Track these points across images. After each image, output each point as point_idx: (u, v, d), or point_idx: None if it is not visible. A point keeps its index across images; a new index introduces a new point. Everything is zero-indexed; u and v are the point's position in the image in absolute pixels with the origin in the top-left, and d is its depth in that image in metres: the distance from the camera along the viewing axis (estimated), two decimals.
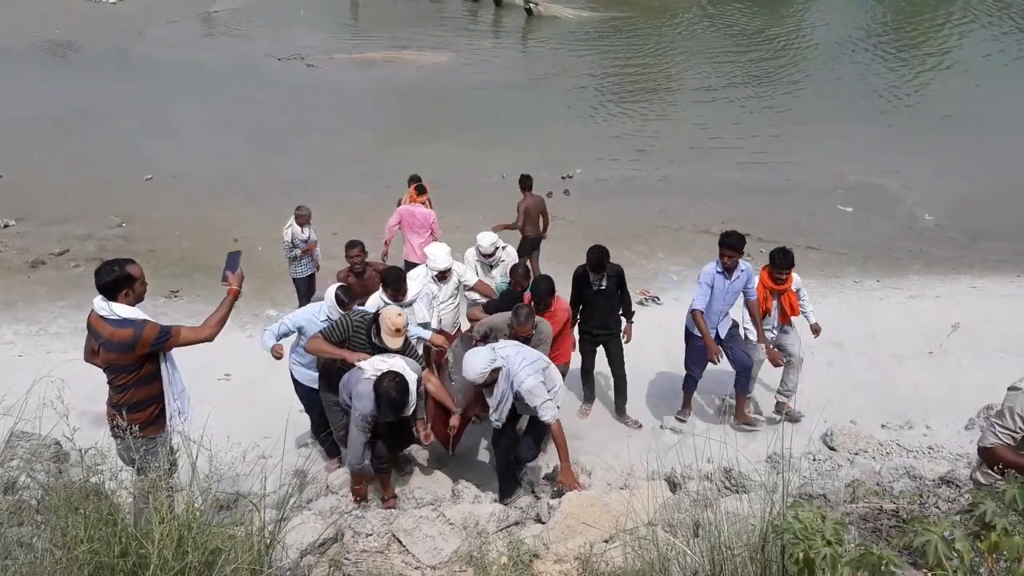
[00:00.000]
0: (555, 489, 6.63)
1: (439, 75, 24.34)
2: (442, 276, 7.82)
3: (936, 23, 29.00)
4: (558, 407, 6.38)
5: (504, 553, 4.89)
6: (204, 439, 4.22)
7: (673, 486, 6.35)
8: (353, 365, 6.15)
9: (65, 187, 15.98)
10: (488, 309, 7.58)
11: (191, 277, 12.58)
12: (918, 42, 27.32)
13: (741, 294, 7.82)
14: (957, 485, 5.62)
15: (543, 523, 5.58)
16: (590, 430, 8.27)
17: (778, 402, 8.41)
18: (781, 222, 14.59)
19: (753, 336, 7.89)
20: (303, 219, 10.57)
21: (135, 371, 4.89)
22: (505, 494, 6.68)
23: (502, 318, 6.87)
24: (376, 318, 6.37)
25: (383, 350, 6.23)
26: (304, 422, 7.47)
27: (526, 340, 6.59)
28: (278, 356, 6.88)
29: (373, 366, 6.02)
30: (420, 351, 6.81)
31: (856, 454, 7.13)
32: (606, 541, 4.94)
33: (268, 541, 3.98)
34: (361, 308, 6.85)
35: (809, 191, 16.42)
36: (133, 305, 4.87)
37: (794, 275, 7.83)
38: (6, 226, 14.33)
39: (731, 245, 7.47)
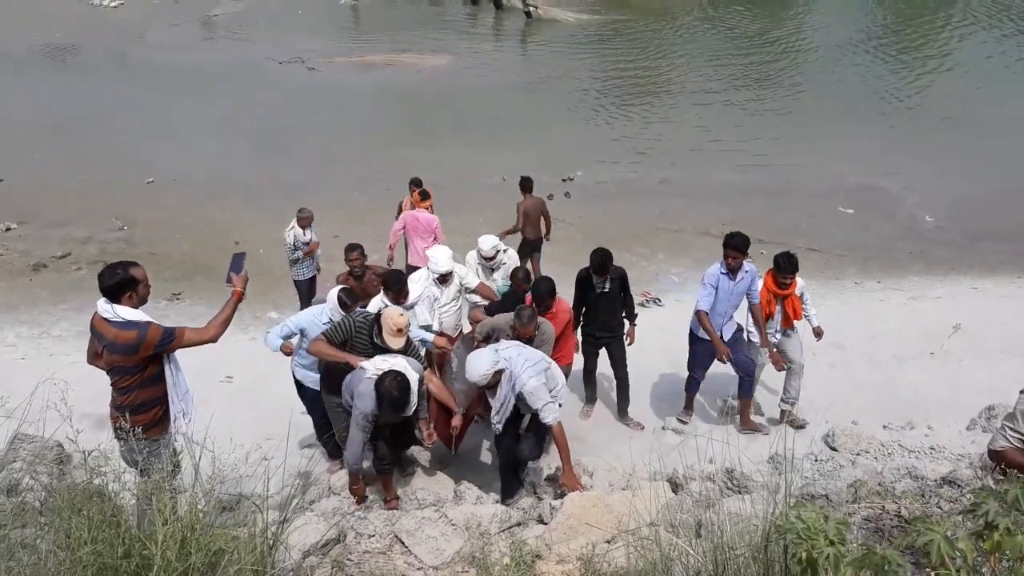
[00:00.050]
0: (558, 492, 6.64)
1: (439, 78, 24.36)
2: (443, 279, 7.82)
3: (936, 25, 29.02)
4: (560, 405, 6.39)
5: (506, 554, 4.89)
6: (207, 441, 4.22)
7: (675, 487, 6.35)
8: (356, 367, 6.15)
9: (66, 190, 16.02)
10: (490, 311, 7.59)
11: (192, 280, 12.61)
12: (918, 44, 27.32)
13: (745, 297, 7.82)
14: (959, 485, 5.61)
15: (545, 524, 5.58)
16: (592, 431, 8.27)
17: (782, 411, 8.41)
18: (782, 224, 14.61)
19: (756, 339, 7.88)
20: (305, 221, 10.61)
21: (139, 373, 4.90)
22: (507, 495, 6.68)
23: (505, 319, 6.87)
24: (378, 318, 6.38)
25: (385, 350, 6.23)
26: (306, 424, 7.47)
27: (529, 341, 6.59)
28: (288, 352, 6.87)
29: (375, 365, 6.02)
30: (422, 353, 6.80)
31: (858, 455, 7.12)
32: (608, 542, 4.94)
33: (271, 542, 3.98)
34: (363, 309, 6.86)
35: (810, 193, 16.42)
36: (137, 307, 4.88)
37: (798, 279, 7.81)
38: (7, 229, 14.35)
39: (735, 246, 7.45)
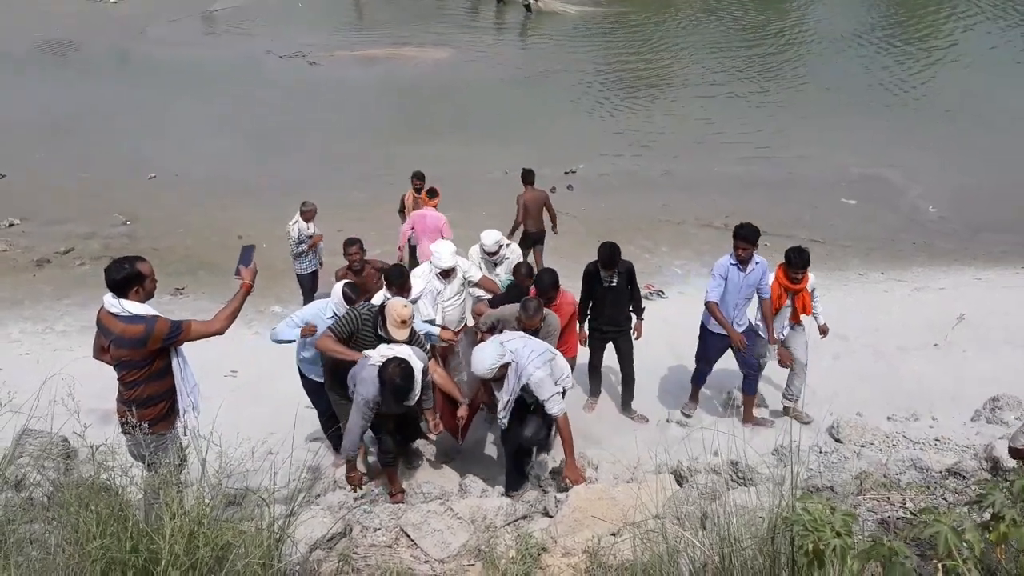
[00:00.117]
0: (561, 484, 6.65)
1: (441, 71, 24.30)
2: (446, 274, 7.83)
3: (941, 16, 28.89)
4: (565, 391, 6.39)
5: (512, 547, 4.89)
6: (213, 435, 4.23)
7: (680, 479, 6.36)
8: None
9: (69, 186, 16.03)
10: (493, 305, 7.59)
11: (196, 275, 12.62)
12: (923, 35, 27.20)
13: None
14: (964, 476, 5.62)
15: (551, 517, 5.60)
16: (596, 424, 8.28)
17: (785, 407, 8.42)
18: (784, 216, 14.58)
19: (764, 335, 7.86)
20: (309, 214, 10.64)
21: (146, 367, 4.91)
22: (511, 487, 6.70)
23: (510, 310, 6.88)
24: (382, 310, 6.38)
25: (390, 342, 6.24)
26: (311, 418, 7.48)
27: (534, 333, 6.60)
28: (311, 333, 6.80)
29: (380, 353, 6.02)
30: (427, 345, 6.80)
31: (863, 446, 7.14)
32: (614, 534, 4.95)
33: (278, 536, 3.99)
34: (367, 302, 6.86)
35: (812, 184, 16.38)
36: (143, 302, 4.89)
37: (810, 275, 7.76)
38: (11, 225, 14.36)
39: (745, 237, 7.41)
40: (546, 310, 6.87)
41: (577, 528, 5.07)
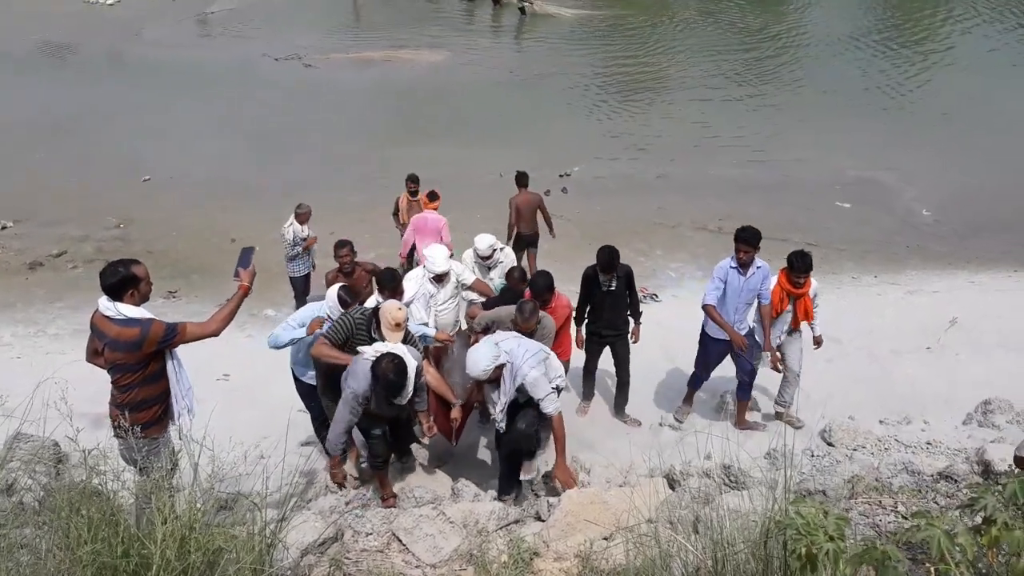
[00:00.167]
0: (551, 486, 6.64)
1: (436, 74, 24.30)
2: (439, 278, 7.83)
3: (938, 19, 28.97)
4: (560, 391, 6.37)
5: (504, 551, 4.89)
6: (205, 439, 4.22)
7: (672, 483, 6.36)
8: None
9: (62, 188, 16.00)
10: (487, 308, 7.58)
11: (189, 278, 12.61)
12: (920, 39, 27.26)
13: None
14: (955, 480, 5.63)
15: (543, 521, 5.60)
16: (589, 428, 8.27)
17: (777, 412, 8.42)
18: (779, 219, 14.59)
19: (760, 339, 7.84)
20: (303, 217, 10.64)
21: (140, 370, 4.90)
22: (504, 491, 6.68)
23: (506, 311, 6.87)
24: (376, 313, 6.37)
25: None
26: (304, 422, 7.47)
27: (530, 336, 6.59)
28: (320, 325, 6.76)
29: (374, 349, 6.00)
30: (421, 347, 6.78)
31: (855, 450, 7.14)
32: (606, 539, 4.95)
33: (269, 541, 3.98)
34: (360, 306, 6.85)
35: (807, 188, 16.41)
36: (138, 305, 4.88)
37: (813, 281, 7.72)
38: (4, 228, 14.35)
39: (746, 240, 7.36)
40: (541, 313, 6.87)
41: (569, 532, 5.06)
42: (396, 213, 11.83)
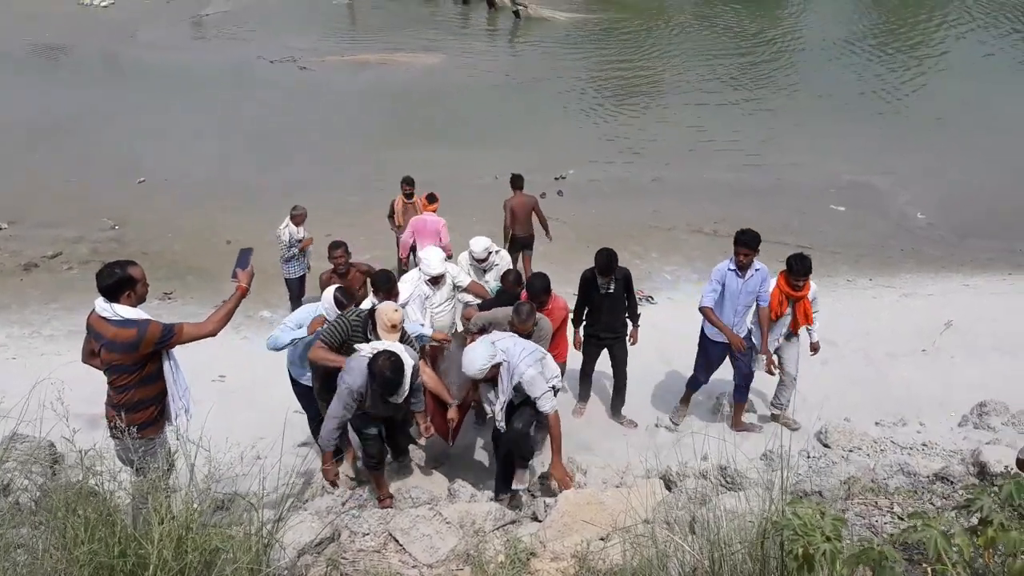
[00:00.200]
0: (547, 484, 6.63)
1: (432, 77, 24.30)
2: (435, 281, 7.83)
3: (933, 24, 29.05)
4: (557, 391, 6.37)
5: (501, 551, 4.89)
6: (202, 440, 4.22)
7: (669, 484, 6.37)
8: None
9: (57, 190, 15.95)
10: (483, 310, 7.58)
11: (184, 279, 12.58)
12: (915, 43, 27.34)
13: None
14: (951, 481, 5.65)
15: (540, 521, 5.60)
16: (585, 429, 8.29)
17: (773, 415, 8.43)
18: (773, 222, 14.59)
19: (758, 342, 7.83)
20: (299, 218, 10.64)
21: (137, 371, 4.90)
22: (501, 491, 6.68)
23: (503, 312, 6.86)
24: (372, 315, 6.36)
25: None
26: (300, 422, 7.46)
27: (527, 338, 6.59)
28: (322, 323, 6.75)
29: (371, 346, 5.99)
30: (417, 347, 6.78)
31: (850, 451, 7.16)
32: (603, 539, 4.95)
33: (266, 541, 3.98)
34: (356, 308, 6.84)
35: (802, 191, 16.42)
36: (135, 306, 4.88)
37: (811, 283, 7.72)
38: None
39: (746, 243, 7.37)
40: (538, 315, 6.87)
41: (566, 533, 5.06)
42: (391, 215, 11.82)
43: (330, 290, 6.93)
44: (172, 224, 14.54)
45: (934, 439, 7.36)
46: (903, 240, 14.62)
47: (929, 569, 3.08)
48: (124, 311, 4.80)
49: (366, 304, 7.19)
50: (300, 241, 10.64)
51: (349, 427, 6.56)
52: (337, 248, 8.68)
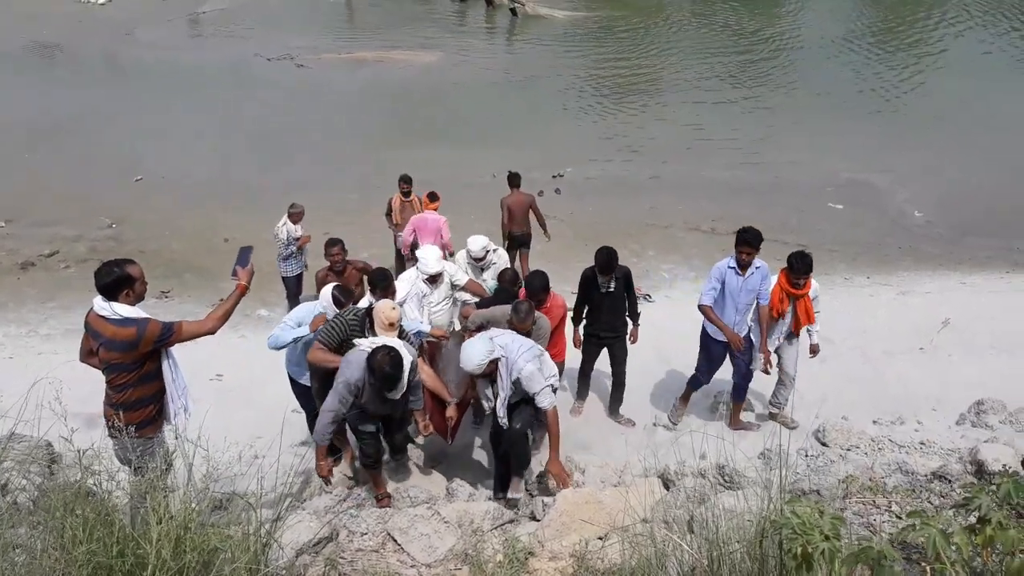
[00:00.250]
0: (545, 481, 6.62)
1: (429, 75, 24.29)
2: (432, 280, 7.82)
3: (931, 22, 29.05)
4: (555, 390, 6.36)
5: (499, 551, 4.89)
6: (200, 439, 4.21)
7: (667, 483, 6.36)
8: None
9: (55, 188, 15.95)
10: (481, 308, 7.57)
11: (181, 278, 12.58)
12: (913, 41, 27.35)
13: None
14: (949, 480, 5.65)
15: (538, 521, 5.60)
16: (583, 428, 8.28)
17: (771, 414, 8.43)
18: (771, 220, 14.57)
19: (757, 341, 7.82)
20: (297, 217, 10.66)
21: (136, 370, 4.90)
22: (499, 489, 6.68)
23: (501, 311, 6.84)
24: (369, 313, 6.35)
25: None
26: (299, 422, 7.46)
27: (526, 336, 6.58)
28: (324, 321, 6.75)
29: (370, 342, 5.98)
30: (416, 344, 6.77)
31: (848, 450, 7.15)
32: (601, 538, 4.95)
33: (265, 541, 3.97)
34: (354, 306, 6.83)
35: (800, 189, 16.44)
36: (133, 305, 4.88)
37: (813, 281, 7.71)
38: None
39: (748, 242, 7.34)
40: (537, 313, 6.85)
41: (564, 532, 5.06)
42: (389, 214, 11.81)
43: (328, 288, 6.92)
44: (170, 223, 14.53)
45: (932, 437, 7.36)
46: (901, 238, 14.63)
47: (928, 568, 3.08)
48: (123, 310, 4.80)
49: (363, 303, 7.18)
50: (298, 239, 10.65)
51: (347, 427, 6.57)
52: (334, 245, 8.68)
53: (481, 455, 7.81)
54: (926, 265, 13.54)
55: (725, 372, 8.14)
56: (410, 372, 5.97)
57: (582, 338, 8.20)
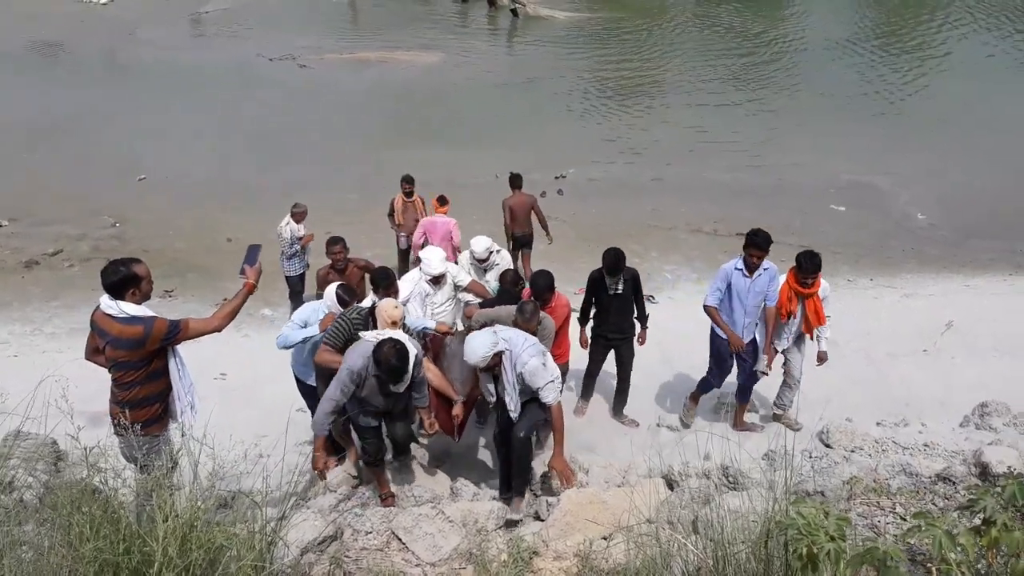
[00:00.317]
0: (549, 478, 6.62)
1: (431, 75, 24.29)
2: (435, 281, 7.84)
3: (935, 25, 29.04)
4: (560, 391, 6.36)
5: (504, 550, 4.90)
6: (205, 438, 4.22)
7: (671, 484, 6.37)
8: None
9: (58, 187, 15.96)
10: (484, 308, 7.58)
11: (184, 277, 12.59)
12: (918, 44, 27.34)
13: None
14: (953, 482, 5.65)
15: (542, 521, 5.60)
16: (587, 428, 8.28)
17: (775, 415, 8.43)
18: (774, 222, 14.49)
19: (762, 342, 7.82)
20: (300, 216, 10.68)
21: (142, 368, 4.91)
22: (504, 489, 6.67)
23: (506, 311, 6.84)
24: (372, 312, 6.36)
25: None
26: (303, 421, 7.46)
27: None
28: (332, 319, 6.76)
29: (375, 334, 5.98)
30: (420, 342, 6.77)
31: (852, 451, 7.15)
32: (605, 538, 4.96)
33: (270, 539, 3.98)
34: (357, 305, 6.84)
35: (802, 191, 16.43)
36: (140, 303, 4.89)
37: (823, 281, 7.69)
38: (0, 226, 14.29)
39: (757, 245, 7.33)
40: (542, 314, 6.85)
41: (568, 532, 5.07)
42: (391, 214, 11.83)
43: (332, 287, 6.93)
44: (173, 222, 14.55)
45: (936, 440, 7.35)
46: (904, 240, 14.63)
47: (933, 569, 3.08)
48: (130, 308, 4.81)
49: (366, 302, 7.20)
50: (301, 238, 10.66)
51: (351, 426, 6.58)
52: (336, 244, 8.70)
53: (485, 455, 7.82)
54: (929, 267, 13.54)
55: (730, 373, 8.14)
56: (415, 367, 5.97)
57: (588, 338, 8.20)
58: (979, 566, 3.31)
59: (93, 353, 5.10)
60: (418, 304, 7.79)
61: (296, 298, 10.79)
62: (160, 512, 3.54)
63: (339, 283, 7.09)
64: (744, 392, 8.11)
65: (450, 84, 23.45)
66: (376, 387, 5.93)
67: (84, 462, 3.97)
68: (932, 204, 15.83)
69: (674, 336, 9.48)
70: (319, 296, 7.99)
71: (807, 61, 25.56)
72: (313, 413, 7.17)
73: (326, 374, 6.52)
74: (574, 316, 7.96)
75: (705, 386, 8.26)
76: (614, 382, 8.49)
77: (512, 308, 6.77)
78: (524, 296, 7.29)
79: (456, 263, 8.82)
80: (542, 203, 12.07)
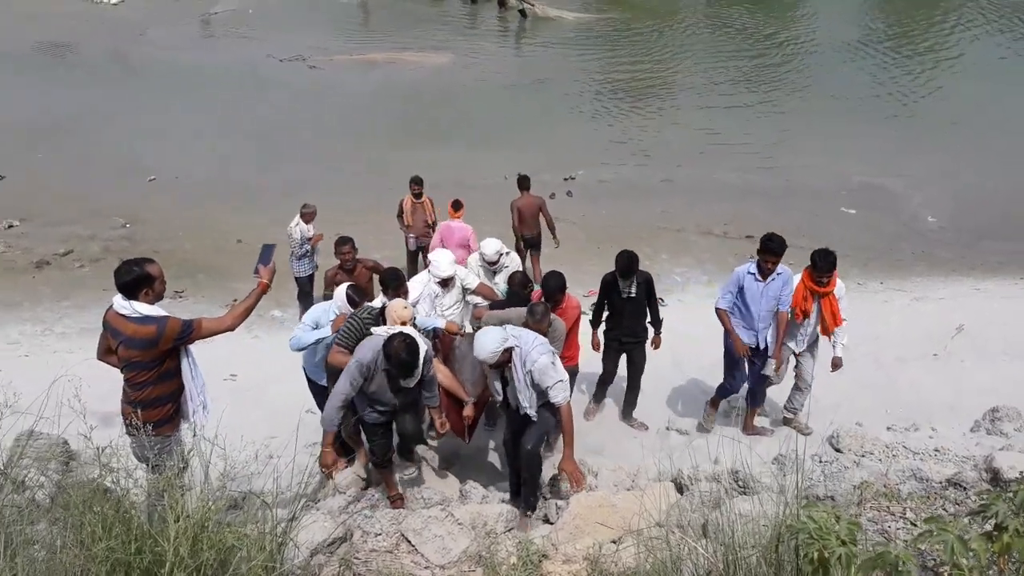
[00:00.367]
0: (558, 480, 6.61)
1: (440, 76, 24.31)
2: (444, 283, 7.85)
3: (947, 26, 28.94)
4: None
5: (513, 553, 4.89)
6: (216, 438, 4.23)
7: (681, 487, 6.36)
8: None
9: (69, 188, 16.01)
10: (493, 310, 7.59)
11: (195, 278, 12.62)
12: (930, 45, 27.27)
13: None
14: (964, 487, 5.62)
15: (551, 524, 5.61)
16: (596, 431, 8.28)
17: (786, 419, 8.41)
18: (784, 224, 14.44)
19: (771, 345, 7.76)
20: (309, 216, 10.71)
21: (156, 368, 4.93)
22: (513, 495, 6.67)
23: (516, 312, 6.83)
24: (382, 312, 6.38)
25: None
26: (313, 422, 7.45)
27: None
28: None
29: (386, 329, 5.99)
30: (430, 340, 6.78)
31: (862, 456, 7.12)
32: (615, 542, 4.95)
33: (280, 540, 3.99)
34: (368, 304, 6.86)
35: (812, 193, 16.41)
36: (153, 304, 4.91)
37: (839, 281, 7.65)
38: (10, 227, 14.34)
39: (772, 251, 7.31)
40: (552, 316, 6.84)
41: (578, 535, 5.07)
42: (400, 215, 11.85)
43: (342, 288, 6.95)
44: (183, 222, 14.59)
45: (946, 444, 7.32)
46: (914, 243, 14.60)
47: (945, 574, 3.07)
48: (143, 308, 4.84)
49: (376, 303, 7.21)
50: (310, 239, 10.69)
51: (360, 427, 6.59)
52: (344, 244, 8.72)
53: (494, 457, 7.81)
54: (939, 270, 13.50)
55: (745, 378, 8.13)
56: (425, 363, 5.97)
57: (600, 341, 8.18)
58: (991, 572, 3.29)
59: (105, 353, 5.12)
60: (428, 305, 7.81)
61: (305, 299, 10.81)
62: (171, 512, 3.55)
63: (349, 284, 7.11)
64: (755, 396, 8.09)
65: (459, 85, 23.46)
66: (386, 382, 5.94)
67: (96, 462, 3.98)
68: (943, 206, 15.79)
69: (684, 339, 9.47)
70: (328, 297, 8.02)
71: (818, 63, 25.49)
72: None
73: (338, 375, 6.54)
74: (584, 319, 7.94)
75: (723, 391, 8.23)
76: (623, 385, 8.48)
77: (522, 310, 6.76)
78: (534, 298, 7.28)
79: (466, 265, 8.83)
80: (551, 205, 12.08)
